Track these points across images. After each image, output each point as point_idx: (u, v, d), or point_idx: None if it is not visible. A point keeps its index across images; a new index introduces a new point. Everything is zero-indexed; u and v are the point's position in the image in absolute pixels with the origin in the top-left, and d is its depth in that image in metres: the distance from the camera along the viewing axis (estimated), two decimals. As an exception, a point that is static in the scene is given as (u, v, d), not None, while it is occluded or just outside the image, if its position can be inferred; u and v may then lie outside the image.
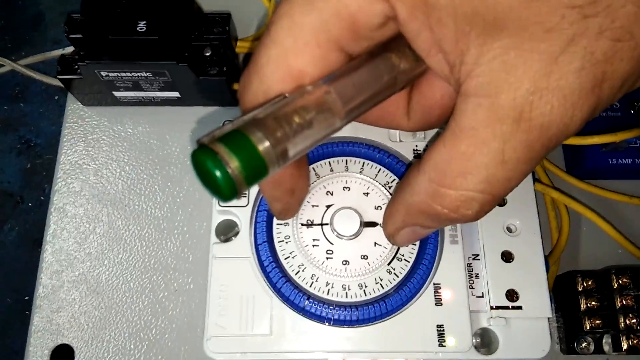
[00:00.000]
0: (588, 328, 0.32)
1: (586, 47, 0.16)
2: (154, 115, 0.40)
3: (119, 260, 0.36)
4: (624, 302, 0.32)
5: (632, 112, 0.36)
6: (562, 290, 0.34)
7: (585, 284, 0.33)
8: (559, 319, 0.35)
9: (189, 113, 0.40)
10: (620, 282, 0.32)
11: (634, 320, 0.31)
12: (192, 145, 0.39)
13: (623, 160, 0.35)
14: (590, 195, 0.37)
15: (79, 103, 0.40)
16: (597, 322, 0.32)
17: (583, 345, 0.33)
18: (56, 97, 0.38)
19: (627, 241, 0.35)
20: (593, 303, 0.33)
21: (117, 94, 0.38)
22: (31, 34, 0.57)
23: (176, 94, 0.38)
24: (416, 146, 0.31)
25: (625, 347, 0.31)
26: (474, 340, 0.29)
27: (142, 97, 0.39)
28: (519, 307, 0.29)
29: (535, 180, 0.34)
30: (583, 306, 0.33)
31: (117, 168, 0.39)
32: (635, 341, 0.31)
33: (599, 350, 0.33)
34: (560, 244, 0.34)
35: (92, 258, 0.36)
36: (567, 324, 0.34)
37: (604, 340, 0.33)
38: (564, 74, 0.16)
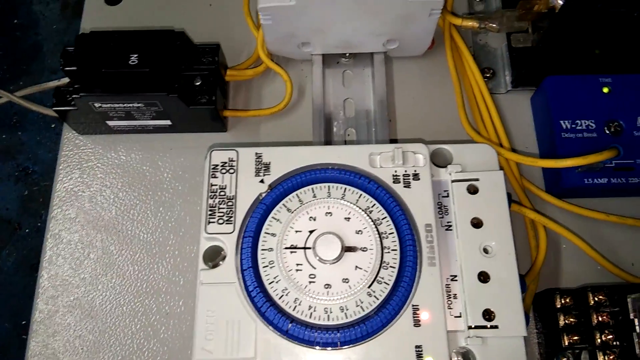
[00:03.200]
0: (566, 344, 0.33)
1: None
2: (146, 142, 0.41)
3: (113, 285, 0.37)
4: (600, 318, 0.33)
5: (608, 132, 0.38)
6: (542, 308, 0.36)
7: (563, 301, 0.34)
8: (539, 336, 0.36)
9: (181, 140, 0.41)
10: (596, 299, 0.33)
11: (610, 337, 0.32)
12: (183, 171, 0.41)
13: (599, 180, 0.36)
14: (569, 214, 0.38)
15: (75, 132, 0.42)
16: (575, 338, 0.33)
17: (563, 361, 0.34)
18: (53, 126, 0.39)
19: (604, 259, 0.36)
20: (571, 320, 0.34)
21: (110, 123, 0.40)
22: (29, 64, 0.59)
23: (168, 122, 0.40)
24: (395, 171, 0.33)
25: (602, 363, 0.32)
26: (456, 359, 0.30)
27: (135, 125, 0.40)
28: (495, 327, 0.30)
29: (512, 201, 0.35)
30: (562, 323, 0.34)
31: (111, 195, 0.40)
32: (611, 357, 0.32)
33: (578, 366, 0.34)
34: (538, 263, 0.35)
35: (86, 283, 0.38)
36: (547, 341, 0.35)
37: (582, 356, 0.34)
38: None
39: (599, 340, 0.32)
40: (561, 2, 0.33)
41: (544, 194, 0.38)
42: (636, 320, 0.31)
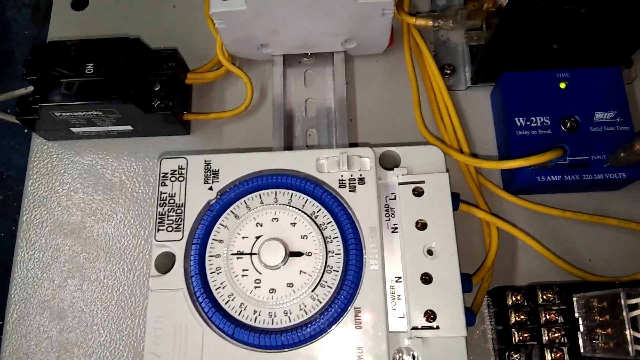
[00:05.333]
0: (517, 341, 0.34)
1: None
2: (111, 146, 0.42)
3: (81, 287, 0.39)
4: (548, 316, 0.33)
5: (563, 128, 0.37)
6: (495, 305, 0.36)
7: (514, 299, 0.34)
8: (494, 332, 0.36)
9: (145, 143, 0.42)
10: (544, 297, 0.34)
11: (557, 334, 0.33)
12: (147, 174, 0.41)
13: (552, 177, 0.36)
14: (526, 211, 0.38)
15: (43, 138, 0.43)
16: (526, 335, 0.34)
17: (514, 357, 0.34)
18: (26, 131, 0.40)
19: (556, 256, 0.36)
20: (522, 317, 0.34)
21: (74, 129, 0.41)
22: (2, 71, 0.60)
23: (129, 127, 0.41)
24: (341, 176, 0.33)
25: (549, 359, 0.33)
26: (406, 357, 0.31)
27: (99, 131, 0.41)
28: (437, 327, 0.30)
29: (462, 201, 0.36)
30: (512, 320, 0.34)
31: (77, 199, 0.41)
32: (557, 354, 0.33)
33: (529, 362, 0.34)
34: (488, 261, 0.35)
35: (54, 285, 0.39)
36: (500, 337, 0.36)
37: (533, 353, 0.34)
38: None
39: (546, 338, 0.33)
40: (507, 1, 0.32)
41: (500, 192, 0.38)
42: (580, 319, 0.32)
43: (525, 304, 0.34)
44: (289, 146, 0.41)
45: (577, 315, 0.32)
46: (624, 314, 0.27)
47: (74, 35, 0.46)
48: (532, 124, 0.37)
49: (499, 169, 0.39)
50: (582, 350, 0.32)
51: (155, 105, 0.38)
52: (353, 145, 0.41)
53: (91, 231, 0.40)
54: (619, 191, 0.39)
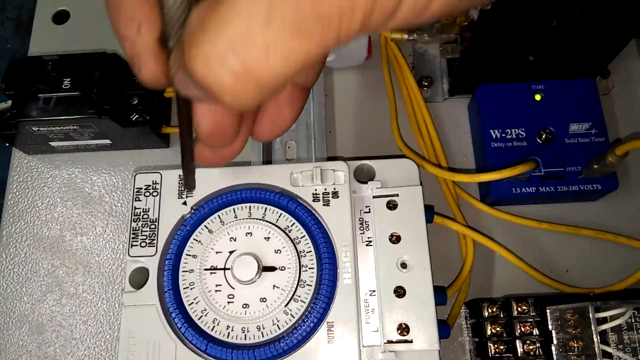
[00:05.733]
0: (493, 353, 0.34)
1: None
2: (90, 160, 0.42)
3: (60, 301, 0.39)
4: (523, 328, 0.33)
5: (539, 140, 0.38)
6: (473, 316, 0.36)
7: (490, 311, 0.34)
8: (472, 343, 0.37)
9: (123, 156, 0.42)
10: (519, 309, 0.34)
11: (531, 347, 0.33)
12: (126, 187, 0.41)
13: (527, 189, 0.36)
14: (503, 222, 0.38)
15: (23, 152, 0.43)
16: (502, 347, 0.34)
17: (491, 369, 0.34)
18: (7, 145, 0.41)
19: (531, 267, 0.36)
20: (498, 329, 0.34)
21: (53, 144, 0.41)
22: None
23: (107, 141, 0.41)
24: (315, 190, 0.33)
25: (523, 372, 0.33)
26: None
27: (78, 145, 0.41)
28: (410, 341, 0.30)
29: (436, 213, 0.36)
30: (489, 332, 0.34)
31: (56, 213, 0.41)
32: (532, 366, 0.33)
33: (506, 374, 0.34)
34: (463, 273, 0.36)
35: (33, 300, 0.39)
36: (477, 349, 0.36)
37: (509, 365, 0.34)
38: None
39: (520, 350, 0.33)
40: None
41: (477, 203, 0.38)
42: (554, 332, 0.32)
43: (501, 316, 0.34)
44: (268, 159, 0.41)
45: (550, 327, 0.32)
46: (592, 327, 0.27)
47: (55, 49, 0.46)
48: (508, 136, 0.38)
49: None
50: (555, 362, 0.32)
51: (133, 119, 0.39)
52: (332, 158, 0.41)
53: (70, 245, 0.40)
54: (595, 202, 0.39)
